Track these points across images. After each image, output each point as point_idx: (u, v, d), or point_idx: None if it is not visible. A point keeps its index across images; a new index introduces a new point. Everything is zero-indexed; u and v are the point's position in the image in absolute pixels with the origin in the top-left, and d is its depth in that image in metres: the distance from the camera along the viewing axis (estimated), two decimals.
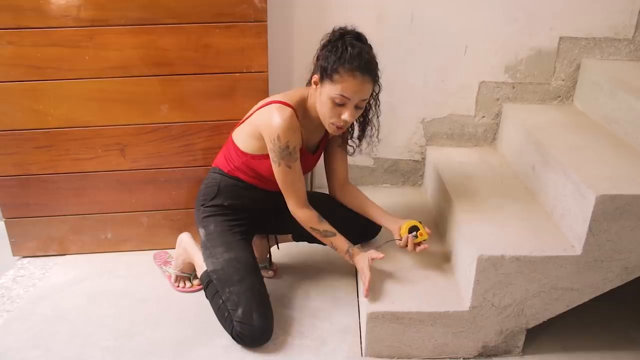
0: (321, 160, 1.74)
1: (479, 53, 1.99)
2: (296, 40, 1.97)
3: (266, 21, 1.71)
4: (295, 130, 1.48)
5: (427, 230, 1.54)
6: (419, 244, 1.53)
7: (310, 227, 1.56)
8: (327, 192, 1.78)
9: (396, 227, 1.58)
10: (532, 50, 1.98)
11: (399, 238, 1.56)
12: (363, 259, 1.51)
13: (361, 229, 1.70)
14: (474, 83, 2.04)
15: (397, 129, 2.13)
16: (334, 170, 1.71)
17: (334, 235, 1.56)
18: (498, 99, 2.06)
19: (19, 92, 1.71)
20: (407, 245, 1.53)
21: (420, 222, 1.55)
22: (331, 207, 1.72)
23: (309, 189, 2.16)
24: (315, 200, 1.81)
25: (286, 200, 1.56)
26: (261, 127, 1.50)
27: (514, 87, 2.04)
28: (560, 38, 1.96)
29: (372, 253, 1.50)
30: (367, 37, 1.47)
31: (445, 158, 2.03)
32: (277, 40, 1.90)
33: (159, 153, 1.85)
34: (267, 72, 1.77)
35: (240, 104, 1.77)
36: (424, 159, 2.18)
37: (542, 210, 1.59)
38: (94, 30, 1.66)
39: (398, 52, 1.99)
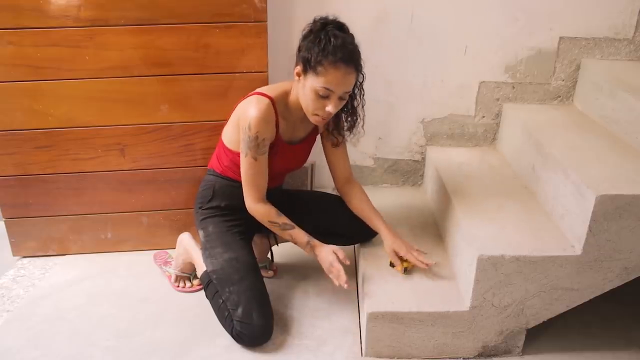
0: (324, 159, 1.74)
1: (479, 53, 1.98)
2: (296, 40, 1.95)
3: (266, 21, 1.71)
4: (269, 122, 1.48)
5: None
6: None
7: (269, 221, 1.56)
8: (329, 192, 1.78)
9: (389, 242, 1.58)
10: (532, 50, 1.98)
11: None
12: (327, 252, 1.51)
13: (361, 229, 1.69)
14: (474, 83, 2.04)
15: (397, 128, 2.12)
16: (332, 166, 1.71)
17: (293, 228, 1.55)
18: (498, 99, 2.06)
19: (19, 92, 1.71)
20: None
21: (412, 265, 1.58)
22: (330, 207, 1.73)
23: (309, 189, 2.17)
24: (316, 199, 1.81)
25: (244, 194, 1.55)
26: (239, 117, 1.52)
27: (514, 87, 2.04)
28: (560, 38, 1.96)
29: (334, 247, 1.51)
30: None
31: (445, 158, 2.03)
32: (277, 40, 1.90)
33: (159, 153, 1.85)
34: (267, 72, 1.77)
35: None
36: (424, 159, 2.18)
37: (542, 210, 1.59)
38: (94, 30, 1.66)
39: (398, 52, 1.99)
